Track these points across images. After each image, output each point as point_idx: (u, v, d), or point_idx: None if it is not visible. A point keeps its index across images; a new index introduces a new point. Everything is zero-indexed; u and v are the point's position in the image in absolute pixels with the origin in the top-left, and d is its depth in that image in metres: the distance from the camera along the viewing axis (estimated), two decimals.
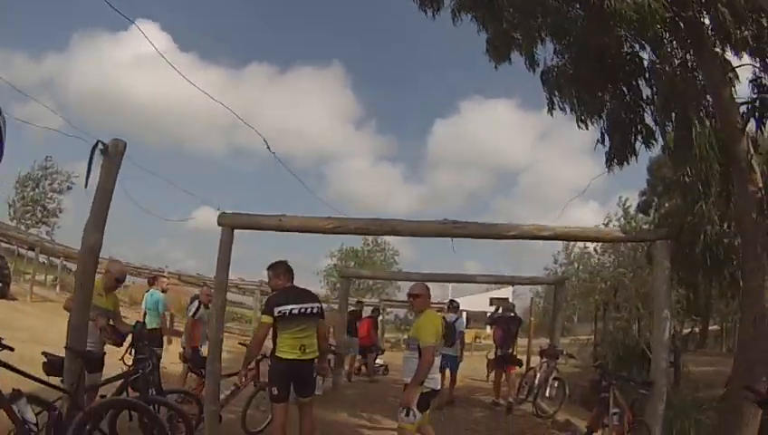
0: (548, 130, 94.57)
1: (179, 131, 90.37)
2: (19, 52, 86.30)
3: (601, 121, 7.32)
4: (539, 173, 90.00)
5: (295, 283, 5.84)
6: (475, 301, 43.96)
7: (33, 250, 26.37)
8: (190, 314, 8.93)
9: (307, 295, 5.68)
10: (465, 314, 15.59)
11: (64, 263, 28.29)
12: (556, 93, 7.32)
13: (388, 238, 45.47)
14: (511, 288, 61.25)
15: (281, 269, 5.75)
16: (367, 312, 17.47)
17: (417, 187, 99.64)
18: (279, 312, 5.30)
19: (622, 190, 37.24)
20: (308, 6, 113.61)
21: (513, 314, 11.23)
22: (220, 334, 7.28)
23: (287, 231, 7.48)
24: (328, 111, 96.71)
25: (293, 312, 5.34)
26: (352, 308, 15.48)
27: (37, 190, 37.00)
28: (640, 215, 31.94)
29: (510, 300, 52.49)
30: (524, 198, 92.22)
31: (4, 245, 27.23)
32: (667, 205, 24.47)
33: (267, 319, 5.34)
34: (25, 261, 29.14)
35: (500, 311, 11.67)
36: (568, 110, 7.29)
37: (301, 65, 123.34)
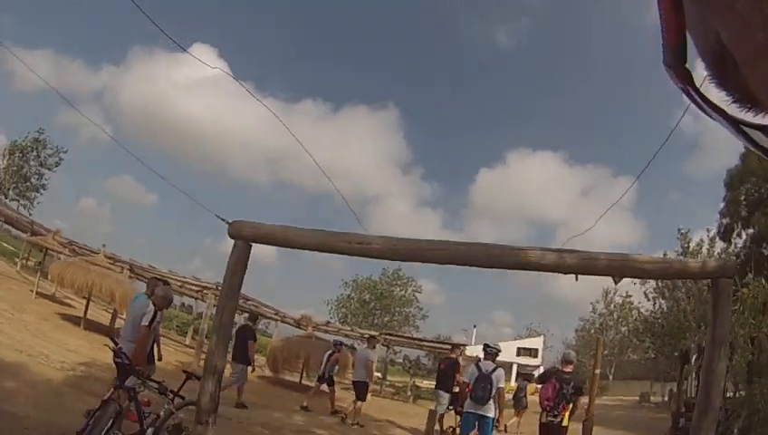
0: (591, 186, 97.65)
1: (225, 158, 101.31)
2: (79, 59, 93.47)
3: None
4: (577, 228, 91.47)
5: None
6: (504, 349, 42.81)
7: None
8: (145, 322, 7.29)
9: None
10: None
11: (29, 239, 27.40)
12: None
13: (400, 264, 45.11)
14: (541, 338, 61.03)
15: None
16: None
17: (456, 234, 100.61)
18: None
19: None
20: (370, 47, 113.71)
21: (569, 370, 8.62)
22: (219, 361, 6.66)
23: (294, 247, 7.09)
24: (376, 153, 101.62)
25: None
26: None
27: (25, 162, 37.45)
28: (716, 245, 30.78)
29: (540, 351, 51.55)
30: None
31: None
32: (754, 228, 24.79)
33: None
34: None
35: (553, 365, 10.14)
36: None
37: (355, 104, 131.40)
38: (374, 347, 15.27)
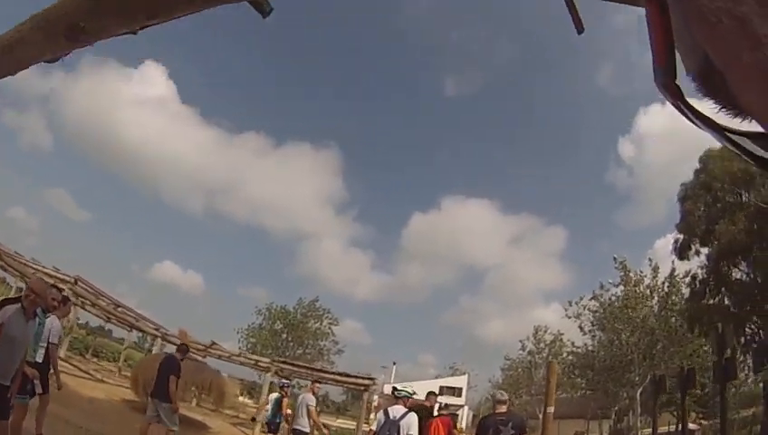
0: (522, 234, 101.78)
1: (162, 182, 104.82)
2: None
3: None
4: (507, 273, 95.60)
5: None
6: (425, 388, 39.60)
7: None
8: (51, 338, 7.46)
9: None
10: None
11: None
12: None
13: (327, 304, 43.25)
14: (465, 377, 58.37)
15: None
16: None
17: (386, 276, 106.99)
18: None
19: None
20: (319, 86, 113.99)
21: (503, 411, 7.63)
22: None
23: None
24: (314, 191, 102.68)
25: None
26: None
27: None
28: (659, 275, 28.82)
29: (464, 391, 48.75)
30: (489, 295, 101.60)
31: None
32: (719, 241, 22.29)
33: None
34: None
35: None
36: None
37: (299, 140, 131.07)
38: (315, 393, 13.09)
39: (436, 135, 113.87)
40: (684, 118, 0.41)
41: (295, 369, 22.52)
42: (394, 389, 8.27)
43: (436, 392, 12.12)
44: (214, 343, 23.47)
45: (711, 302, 23.15)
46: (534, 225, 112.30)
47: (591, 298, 31.44)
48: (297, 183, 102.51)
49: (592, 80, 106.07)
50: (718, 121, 0.39)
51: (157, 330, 23.17)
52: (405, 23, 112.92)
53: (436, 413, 10.72)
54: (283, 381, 15.79)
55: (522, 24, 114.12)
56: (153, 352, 23.58)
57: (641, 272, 30.10)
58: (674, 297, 28.44)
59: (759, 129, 0.38)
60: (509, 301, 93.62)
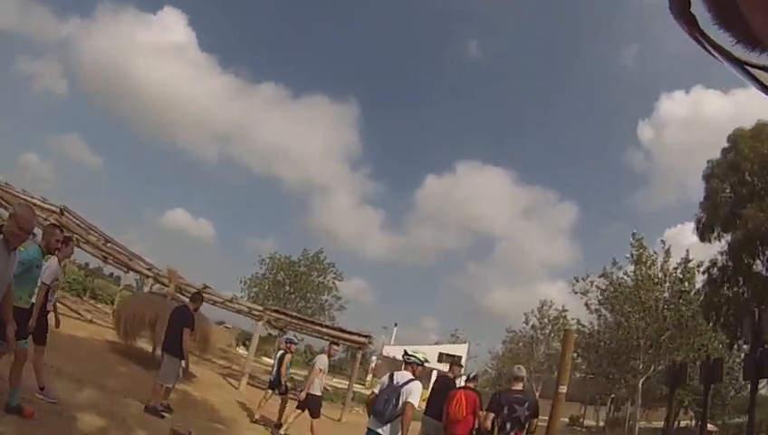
0: (534, 207, 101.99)
1: (177, 130, 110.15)
2: (46, 5, 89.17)
3: None
4: (516, 244, 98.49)
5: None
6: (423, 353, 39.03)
7: None
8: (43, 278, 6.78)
9: None
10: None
11: None
12: None
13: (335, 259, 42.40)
14: (466, 346, 57.38)
15: None
16: None
17: (395, 237, 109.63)
18: None
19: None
20: (342, 41, 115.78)
21: (519, 388, 7.69)
22: None
23: None
24: (329, 145, 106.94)
25: None
26: None
27: None
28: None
29: (463, 360, 48.04)
30: (497, 265, 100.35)
31: None
32: (746, 226, 20.43)
33: None
34: None
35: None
36: None
37: (317, 93, 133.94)
38: (330, 355, 12.54)
39: (457, 98, 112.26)
40: (700, 48, 0.39)
41: (288, 320, 21.53)
42: (405, 352, 7.49)
43: (459, 362, 11.24)
44: (206, 286, 22.55)
45: (729, 292, 21.85)
46: (547, 198, 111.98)
47: (601, 275, 30.01)
48: (313, 136, 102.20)
49: (617, 58, 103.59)
50: (735, 54, 0.38)
51: (149, 270, 22.26)
52: None
53: (460, 385, 9.79)
54: (288, 337, 15.47)
55: None
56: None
57: (655, 252, 28.71)
58: (686, 284, 27.14)
59: None
60: (516, 273, 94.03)
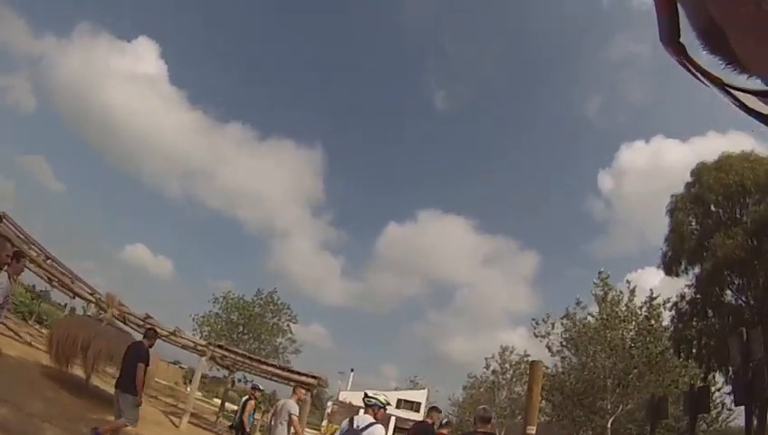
0: (496, 255, 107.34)
1: (142, 162, 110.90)
2: (22, 19, 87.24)
3: None
4: (476, 292, 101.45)
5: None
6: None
7: None
8: None
9: None
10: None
11: None
12: None
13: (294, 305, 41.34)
14: (425, 392, 56.14)
15: None
16: None
17: (355, 283, 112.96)
18: None
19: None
20: (311, 87, 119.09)
21: (485, 431, 6.67)
22: None
23: None
24: (292, 189, 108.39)
25: None
26: None
27: None
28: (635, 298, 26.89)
29: (422, 406, 46.58)
30: (457, 313, 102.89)
31: None
32: (715, 254, 19.95)
33: None
34: None
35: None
36: None
37: (284, 137, 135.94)
38: (300, 398, 11.49)
39: (421, 147, 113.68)
40: (690, 75, 0.40)
41: (234, 358, 19.94)
42: (366, 394, 6.68)
43: (437, 408, 10.07)
44: (148, 316, 21.10)
45: (700, 324, 21.21)
46: (508, 247, 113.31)
47: (564, 316, 29.08)
48: (277, 179, 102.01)
49: (581, 109, 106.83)
50: (724, 80, 0.39)
51: (92, 295, 20.54)
52: (401, 31, 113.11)
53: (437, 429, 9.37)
54: (253, 383, 15.44)
55: (513, 44, 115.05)
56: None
57: (620, 292, 27.99)
58: (653, 322, 26.41)
59: (763, 87, 0.38)
60: (476, 320, 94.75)
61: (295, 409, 10.54)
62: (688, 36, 0.38)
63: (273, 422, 10.69)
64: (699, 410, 13.33)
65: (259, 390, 14.77)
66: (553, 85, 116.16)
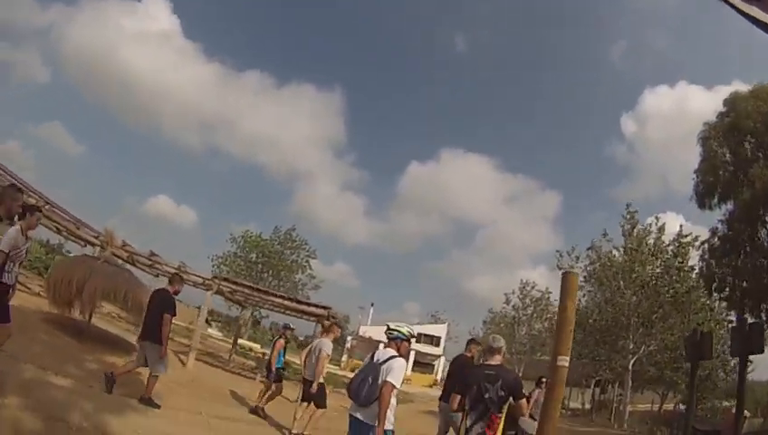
0: (517, 195, 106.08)
1: (161, 117, 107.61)
2: None
3: None
4: (498, 231, 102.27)
5: None
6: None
7: None
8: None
9: None
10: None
11: None
12: None
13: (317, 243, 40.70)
14: (445, 326, 55.95)
15: None
16: None
17: (378, 223, 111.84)
18: None
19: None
20: (328, 29, 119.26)
21: (495, 363, 5.57)
22: None
23: None
24: (313, 133, 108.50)
25: None
26: None
27: None
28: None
29: (442, 340, 46.11)
30: (479, 251, 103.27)
31: None
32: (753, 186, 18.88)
33: None
34: None
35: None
36: None
37: (302, 82, 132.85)
38: (335, 337, 10.84)
39: (442, 87, 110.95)
40: (730, 8, 0.40)
41: (242, 290, 19.28)
42: (388, 327, 5.87)
43: (476, 340, 9.19)
44: (153, 254, 20.48)
45: (737, 261, 19.88)
46: (530, 187, 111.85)
47: (590, 248, 27.83)
48: (298, 124, 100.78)
49: (605, 52, 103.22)
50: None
51: (96, 238, 19.88)
52: None
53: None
54: (287, 323, 14.32)
55: None
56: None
57: (649, 226, 26.67)
58: (680, 259, 25.16)
59: None
60: (498, 259, 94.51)
61: (329, 347, 10.17)
62: None
63: (306, 361, 10.35)
64: (701, 357, 11.85)
65: (290, 329, 14.12)
66: (577, 28, 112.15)
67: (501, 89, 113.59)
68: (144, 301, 14.84)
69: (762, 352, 10.97)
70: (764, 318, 17.97)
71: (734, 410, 15.68)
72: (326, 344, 10.16)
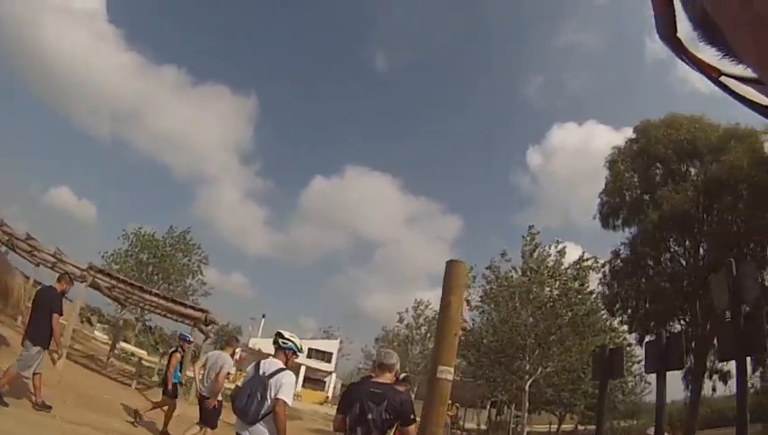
0: (418, 216, 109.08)
1: (71, 101, 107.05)
2: None
3: None
4: (397, 251, 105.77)
5: None
6: None
7: None
8: None
9: None
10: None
11: None
12: None
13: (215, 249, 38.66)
14: (337, 342, 54.76)
15: None
16: None
17: (278, 234, 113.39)
18: None
19: None
20: (248, 34, 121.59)
21: (384, 381, 4.85)
22: None
23: None
24: (222, 136, 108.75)
25: None
26: None
27: None
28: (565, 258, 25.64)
29: (334, 356, 44.83)
30: (377, 269, 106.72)
31: None
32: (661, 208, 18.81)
33: None
34: None
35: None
36: None
37: (218, 83, 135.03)
38: (233, 355, 10.46)
39: (355, 103, 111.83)
40: (686, 66, 0.41)
41: (116, 284, 17.45)
42: (279, 334, 5.47)
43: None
44: (30, 237, 18.46)
45: (641, 281, 20.22)
46: (432, 209, 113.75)
47: (488, 267, 27.44)
48: (208, 125, 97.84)
49: (522, 84, 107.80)
50: (721, 69, 0.40)
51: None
52: None
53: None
54: (185, 334, 13.51)
55: (459, 11, 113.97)
56: None
57: (549, 248, 26.68)
58: (578, 284, 25.27)
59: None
60: (396, 278, 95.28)
61: (230, 364, 9.64)
62: (684, 27, 0.38)
63: (203, 375, 9.66)
64: (611, 376, 11.44)
65: (188, 341, 13.17)
66: (500, 57, 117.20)
67: (414, 111, 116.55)
68: (12, 287, 13.14)
69: (681, 367, 10.43)
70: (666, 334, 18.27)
71: (650, 431, 15.50)
72: (227, 361, 9.61)
